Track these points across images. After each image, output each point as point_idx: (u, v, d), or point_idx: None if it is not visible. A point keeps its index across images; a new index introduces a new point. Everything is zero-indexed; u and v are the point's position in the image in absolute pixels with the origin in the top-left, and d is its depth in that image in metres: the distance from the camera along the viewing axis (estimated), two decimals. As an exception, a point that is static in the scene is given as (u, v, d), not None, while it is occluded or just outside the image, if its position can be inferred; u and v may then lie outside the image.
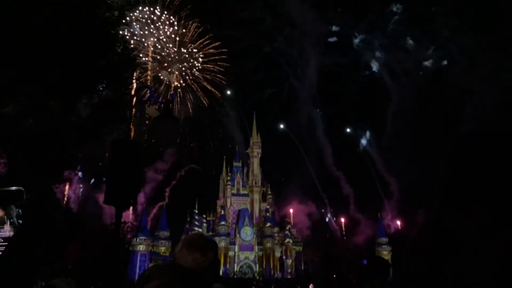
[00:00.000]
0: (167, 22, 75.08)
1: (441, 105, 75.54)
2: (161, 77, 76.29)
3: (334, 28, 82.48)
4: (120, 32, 13.57)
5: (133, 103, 6.66)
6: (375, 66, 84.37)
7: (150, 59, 73.51)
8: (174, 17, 75.02)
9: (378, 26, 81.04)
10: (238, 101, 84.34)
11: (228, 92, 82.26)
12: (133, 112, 5.99)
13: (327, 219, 78.97)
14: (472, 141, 1.71)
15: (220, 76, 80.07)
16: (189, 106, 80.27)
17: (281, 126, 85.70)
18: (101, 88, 11.97)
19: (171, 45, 76.83)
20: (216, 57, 79.56)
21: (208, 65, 79.67)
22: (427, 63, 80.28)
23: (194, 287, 1.46)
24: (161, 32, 75.19)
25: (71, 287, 3.67)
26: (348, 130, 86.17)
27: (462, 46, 73.71)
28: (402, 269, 1.68)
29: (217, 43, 78.40)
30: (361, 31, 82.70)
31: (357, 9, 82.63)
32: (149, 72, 70.50)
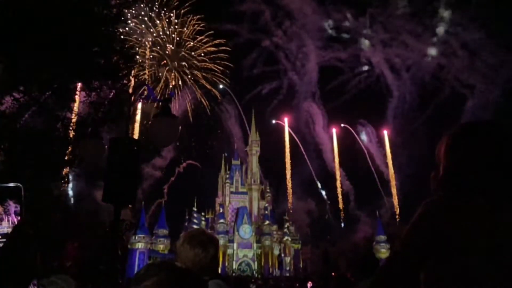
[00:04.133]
0: (166, 20, 74.97)
1: (442, 101, 75.65)
2: (160, 75, 76.17)
3: (334, 22, 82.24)
4: (120, 29, 13.53)
5: (131, 101, 6.65)
6: (375, 61, 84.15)
7: (148, 56, 73.37)
8: (172, 15, 74.91)
9: (378, 21, 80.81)
10: (236, 97, 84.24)
11: (226, 88, 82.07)
12: (132, 110, 5.98)
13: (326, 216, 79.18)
14: (471, 130, 1.66)
15: (218, 74, 79.97)
16: (188, 104, 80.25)
17: (280, 121, 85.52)
18: (99, 86, 11.94)
19: (170, 45, 76.72)
20: (215, 55, 79.48)
21: (207, 64, 79.59)
22: (428, 59, 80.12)
23: (190, 286, 1.45)
24: (159, 29, 75.08)
25: (69, 285, 3.67)
26: (348, 126, 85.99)
27: (463, 41, 73.62)
28: (388, 263, 1.68)
29: (216, 41, 78.30)
30: (361, 26, 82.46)
31: (357, 3, 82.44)
32: (146, 72, 70.36)
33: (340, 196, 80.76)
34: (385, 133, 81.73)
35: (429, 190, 1.70)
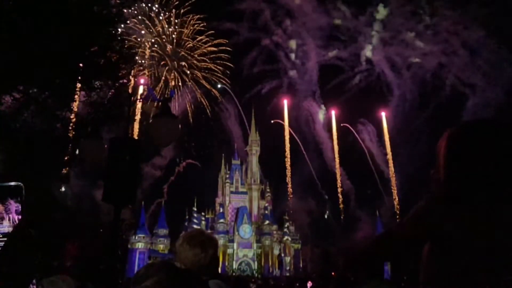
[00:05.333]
0: (165, 20, 75.03)
1: (443, 99, 75.53)
2: (159, 75, 76.25)
3: (333, 20, 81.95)
4: (119, 30, 13.54)
5: (131, 100, 6.65)
6: (375, 60, 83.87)
7: (148, 56, 73.43)
8: (172, 14, 74.96)
9: (378, 19, 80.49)
10: (236, 96, 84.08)
11: (226, 87, 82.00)
12: (131, 110, 5.98)
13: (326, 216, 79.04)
14: (472, 128, 1.64)
15: (218, 74, 80.00)
16: (187, 104, 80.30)
17: (280, 121, 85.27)
18: (99, 86, 11.95)
19: (169, 45, 76.78)
20: (215, 55, 79.53)
21: (207, 64, 79.63)
22: (428, 57, 79.76)
23: (189, 286, 1.46)
24: (159, 29, 75.12)
25: (69, 285, 3.66)
26: (348, 125, 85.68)
27: (464, 39, 73.43)
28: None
29: (216, 41, 78.35)
30: (361, 24, 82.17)
31: (357, 1, 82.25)
32: (145, 71, 70.42)
33: (340, 195, 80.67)
34: (383, 114, 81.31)
35: (429, 189, 1.69)
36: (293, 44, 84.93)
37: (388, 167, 79.91)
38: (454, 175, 1.59)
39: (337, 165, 79.96)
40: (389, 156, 77.75)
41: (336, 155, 79.32)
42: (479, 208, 1.47)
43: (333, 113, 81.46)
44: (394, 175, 77.77)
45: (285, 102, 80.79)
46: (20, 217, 1.51)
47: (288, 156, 77.60)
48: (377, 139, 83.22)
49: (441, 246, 1.51)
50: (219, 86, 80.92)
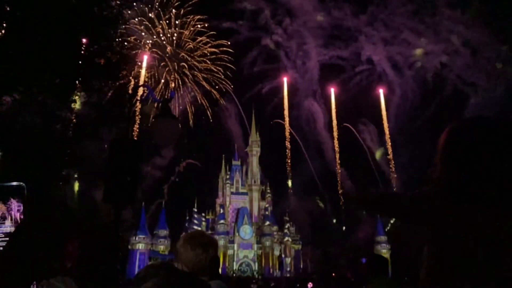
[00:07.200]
0: (165, 21, 75.09)
1: (445, 99, 75.40)
2: (159, 76, 76.31)
3: (334, 20, 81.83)
4: (119, 31, 13.56)
5: (132, 101, 6.66)
6: (376, 59, 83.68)
7: (148, 56, 73.45)
8: (172, 15, 75.02)
9: (379, 18, 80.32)
10: (236, 95, 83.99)
11: (227, 87, 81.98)
12: (131, 111, 5.98)
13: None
14: (471, 126, 1.61)
15: (218, 74, 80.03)
16: (188, 104, 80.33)
17: (280, 120, 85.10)
18: (99, 86, 11.96)
19: (169, 46, 76.83)
20: (215, 56, 79.56)
21: (207, 64, 79.65)
22: (429, 56, 79.56)
23: (189, 287, 1.46)
24: (159, 30, 75.18)
25: (69, 287, 3.66)
26: (349, 125, 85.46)
27: (465, 39, 73.26)
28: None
29: (216, 42, 78.38)
30: (362, 23, 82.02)
31: (357, 1, 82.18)
32: (145, 73, 70.43)
33: (340, 195, 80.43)
34: (381, 92, 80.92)
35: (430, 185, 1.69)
36: (293, 43, 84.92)
37: (389, 167, 79.92)
38: (451, 173, 1.57)
39: (338, 165, 79.94)
40: (390, 156, 77.71)
41: (337, 155, 79.28)
42: (474, 207, 1.45)
43: (332, 91, 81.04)
44: (395, 175, 77.71)
45: (285, 80, 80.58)
46: (22, 216, 1.51)
47: (289, 154, 77.59)
48: (378, 139, 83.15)
49: (435, 244, 1.51)
50: (217, 87, 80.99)
